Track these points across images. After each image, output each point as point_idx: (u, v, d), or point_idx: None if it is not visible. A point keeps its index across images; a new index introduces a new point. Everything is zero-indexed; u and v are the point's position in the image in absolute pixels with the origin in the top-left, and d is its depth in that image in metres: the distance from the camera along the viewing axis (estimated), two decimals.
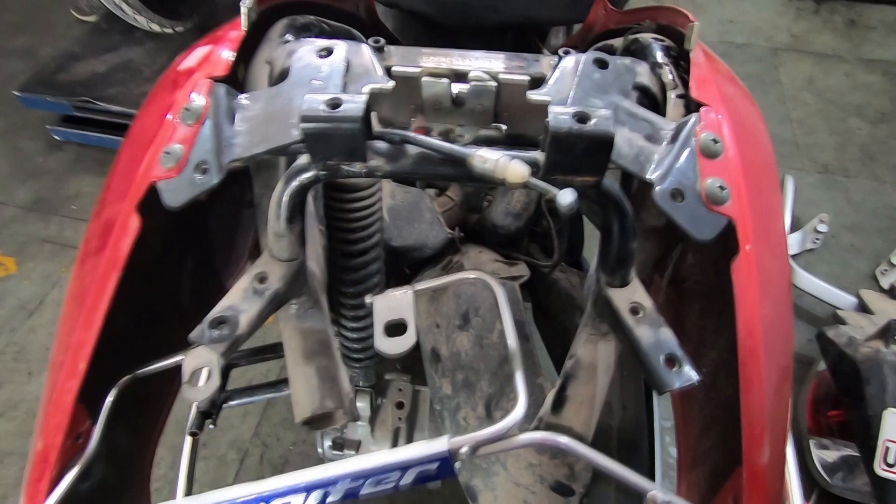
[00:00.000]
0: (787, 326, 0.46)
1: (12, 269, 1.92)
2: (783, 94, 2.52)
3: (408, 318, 0.44)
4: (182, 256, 0.72)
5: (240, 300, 0.45)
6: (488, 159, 0.38)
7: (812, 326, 1.78)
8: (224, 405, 0.86)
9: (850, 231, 2.02)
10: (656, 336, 0.42)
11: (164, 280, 0.65)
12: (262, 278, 0.46)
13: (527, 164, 0.37)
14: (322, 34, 0.81)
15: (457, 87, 0.41)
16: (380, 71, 0.49)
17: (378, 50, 0.65)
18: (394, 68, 0.41)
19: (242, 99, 0.48)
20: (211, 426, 0.79)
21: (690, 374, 0.41)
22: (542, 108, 0.42)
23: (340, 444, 1.02)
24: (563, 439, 0.45)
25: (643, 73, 0.52)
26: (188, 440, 0.81)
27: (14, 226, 2.03)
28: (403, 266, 1.04)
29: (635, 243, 0.43)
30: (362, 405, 0.99)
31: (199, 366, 0.42)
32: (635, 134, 0.45)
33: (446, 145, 0.39)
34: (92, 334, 0.42)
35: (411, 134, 0.40)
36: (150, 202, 0.45)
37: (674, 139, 0.44)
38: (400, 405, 1.04)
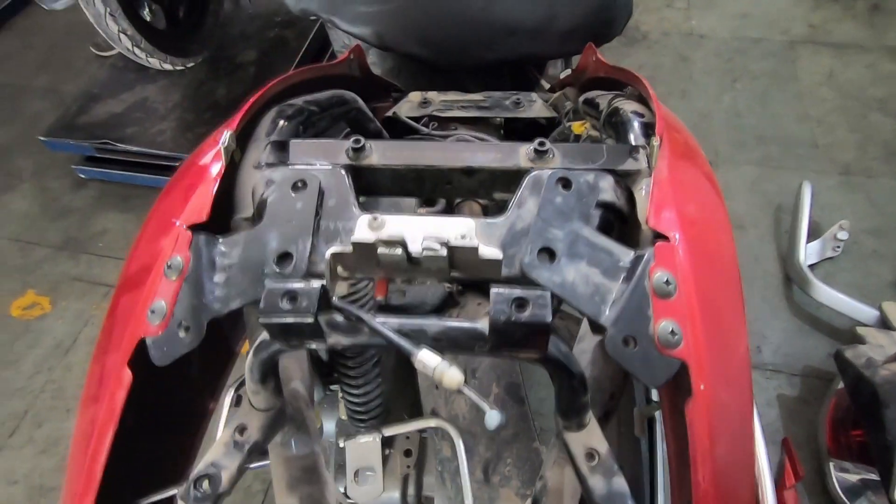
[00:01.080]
0: (747, 464, 0.47)
1: (47, 308, 2.02)
2: (800, 90, 2.44)
3: (375, 467, 0.47)
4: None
5: (221, 455, 0.49)
6: (427, 365, 0.40)
7: (832, 340, 1.75)
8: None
9: (873, 236, 1.96)
10: (608, 487, 0.44)
11: (168, 377, 0.68)
12: (241, 429, 0.50)
13: (461, 373, 0.40)
14: (311, 117, 0.84)
15: (412, 248, 0.44)
16: (355, 208, 0.51)
17: (358, 150, 0.67)
18: (353, 237, 0.43)
19: (221, 245, 0.51)
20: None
21: None
22: (493, 263, 0.44)
23: None
24: None
25: (607, 189, 0.53)
26: None
27: (46, 265, 2.13)
28: None
29: (587, 396, 0.45)
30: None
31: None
32: (592, 269, 0.46)
33: (395, 338, 0.42)
34: (94, 483, 0.46)
35: (366, 317, 0.43)
36: (142, 353, 0.49)
37: (629, 277, 0.46)
38: (408, 453, 1.07)
